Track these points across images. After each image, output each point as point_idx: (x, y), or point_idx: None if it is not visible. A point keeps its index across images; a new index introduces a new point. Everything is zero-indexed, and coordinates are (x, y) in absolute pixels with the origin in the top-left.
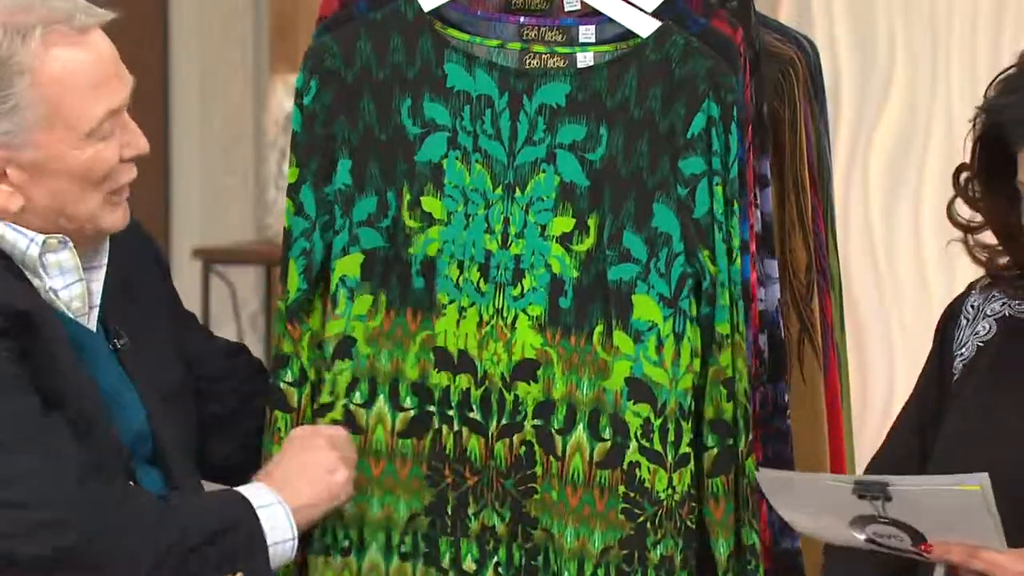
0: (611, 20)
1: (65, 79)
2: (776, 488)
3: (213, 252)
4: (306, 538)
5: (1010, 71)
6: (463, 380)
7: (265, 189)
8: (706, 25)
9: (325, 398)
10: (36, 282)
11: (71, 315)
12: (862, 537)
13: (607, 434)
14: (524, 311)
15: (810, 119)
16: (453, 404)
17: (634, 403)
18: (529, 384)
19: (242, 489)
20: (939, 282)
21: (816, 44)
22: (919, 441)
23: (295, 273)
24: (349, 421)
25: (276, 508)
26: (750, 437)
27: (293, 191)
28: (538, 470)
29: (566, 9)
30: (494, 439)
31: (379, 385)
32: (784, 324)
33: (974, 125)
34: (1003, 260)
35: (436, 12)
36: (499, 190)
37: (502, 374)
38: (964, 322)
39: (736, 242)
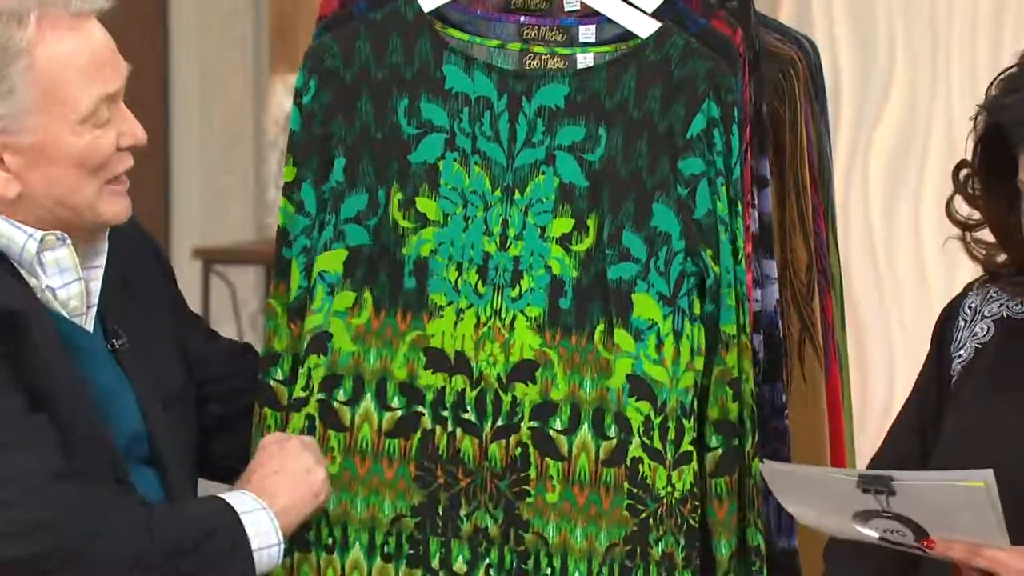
0: (611, 20)
1: (60, 62)
2: (780, 480)
3: (213, 252)
4: (292, 539)
5: (1011, 70)
6: (458, 381)
7: (265, 189)
8: (705, 25)
9: (299, 393)
10: (32, 281)
11: (66, 315)
12: (865, 531)
13: (612, 432)
14: (522, 312)
15: (811, 119)
16: (448, 405)
17: (635, 400)
18: (527, 385)
19: (224, 495)
20: (939, 282)
21: (816, 44)
22: (919, 440)
23: (296, 271)
24: (325, 417)
25: (260, 514)
26: (756, 438)
27: (291, 190)
28: (532, 472)
29: (566, 9)
30: (488, 440)
31: (366, 384)
32: (785, 324)
33: (975, 124)
34: (1001, 258)
35: (436, 12)
36: (498, 192)
37: (498, 375)
38: (962, 323)
39: (739, 242)
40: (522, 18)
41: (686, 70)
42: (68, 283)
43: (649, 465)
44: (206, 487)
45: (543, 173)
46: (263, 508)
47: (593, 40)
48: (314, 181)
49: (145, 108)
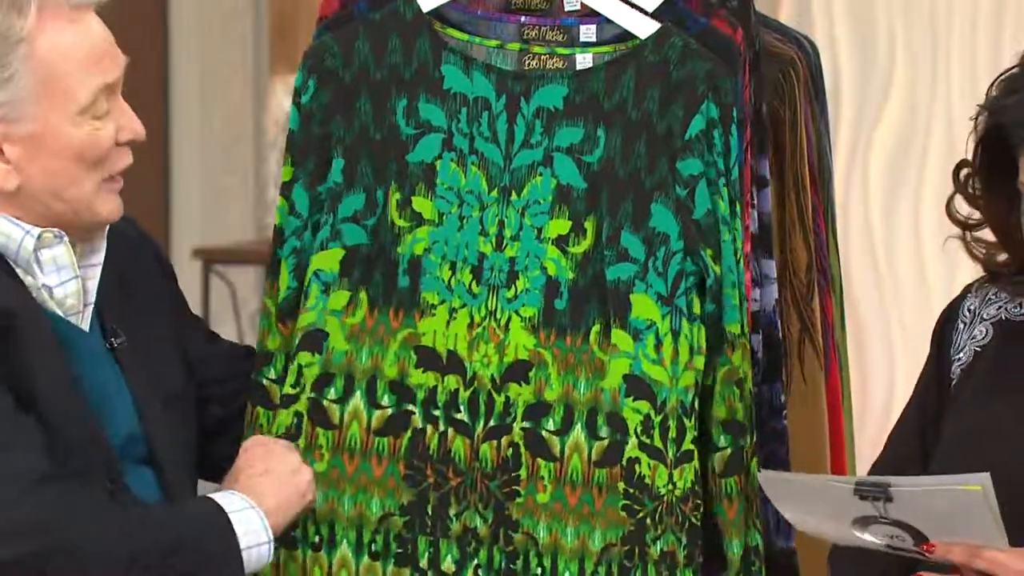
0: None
1: (60, 52)
2: (777, 489)
3: (213, 252)
4: (279, 538)
5: (1012, 71)
6: (451, 381)
7: (265, 189)
8: (706, 25)
9: (288, 390)
10: (28, 280)
11: (62, 314)
12: (864, 537)
13: (604, 432)
14: (517, 312)
15: (810, 119)
16: (440, 405)
17: (633, 400)
18: (520, 385)
19: (213, 496)
20: (939, 282)
21: (816, 44)
22: (920, 443)
23: (286, 272)
24: (313, 414)
25: (249, 512)
26: (754, 438)
27: (287, 190)
28: (522, 473)
29: (566, 9)
30: (480, 440)
31: (356, 382)
32: (785, 324)
33: (975, 124)
34: (1002, 257)
35: (436, 12)
36: (495, 193)
37: (492, 376)
38: (961, 326)
39: (739, 242)
40: (523, 18)
41: (685, 71)
42: (65, 281)
43: (648, 464)
44: (205, 488)
45: (540, 174)
46: (252, 507)
47: (594, 40)
48: (307, 182)
49: (145, 108)
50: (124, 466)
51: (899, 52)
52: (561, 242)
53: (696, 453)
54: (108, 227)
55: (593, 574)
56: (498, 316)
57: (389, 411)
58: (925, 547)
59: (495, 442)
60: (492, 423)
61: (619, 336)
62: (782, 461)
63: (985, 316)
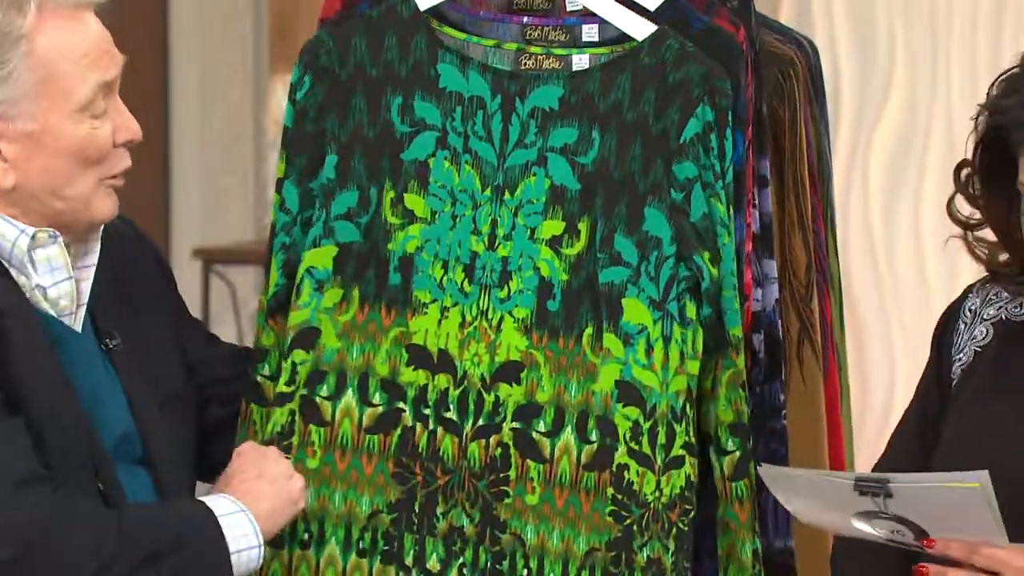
0: None
1: (59, 49)
2: (779, 483)
3: (213, 252)
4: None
5: (1013, 71)
6: (441, 380)
7: (265, 189)
8: (709, 23)
9: (283, 388)
10: (21, 280)
11: (55, 314)
12: (865, 529)
13: (595, 436)
14: (510, 313)
15: (810, 120)
16: (430, 403)
17: (623, 406)
18: (512, 386)
19: (204, 499)
20: (939, 282)
21: (816, 44)
22: (920, 445)
23: (275, 268)
24: (305, 412)
25: (239, 516)
26: (751, 440)
27: (279, 186)
28: (512, 473)
29: (568, 9)
30: (468, 439)
31: (348, 379)
32: (783, 324)
33: (976, 124)
34: (1003, 257)
35: (435, 11)
36: (488, 192)
37: (482, 375)
38: (962, 326)
39: (740, 244)
40: (525, 19)
41: (681, 74)
42: (59, 282)
43: (636, 471)
44: (204, 489)
45: (534, 174)
46: (243, 510)
47: (596, 39)
48: (298, 179)
49: (145, 108)
50: (118, 467)
51: (899, 52)
52: (554, 243)
53: (687, 459)
54: (105, 228)
55: None
56: (490, 316)
57: (380, 409)
58: (925, 543)
59: (483, 441)
60: (481, 422)
61: (611, 341)
62: (782, 460)
63: (985, 316)
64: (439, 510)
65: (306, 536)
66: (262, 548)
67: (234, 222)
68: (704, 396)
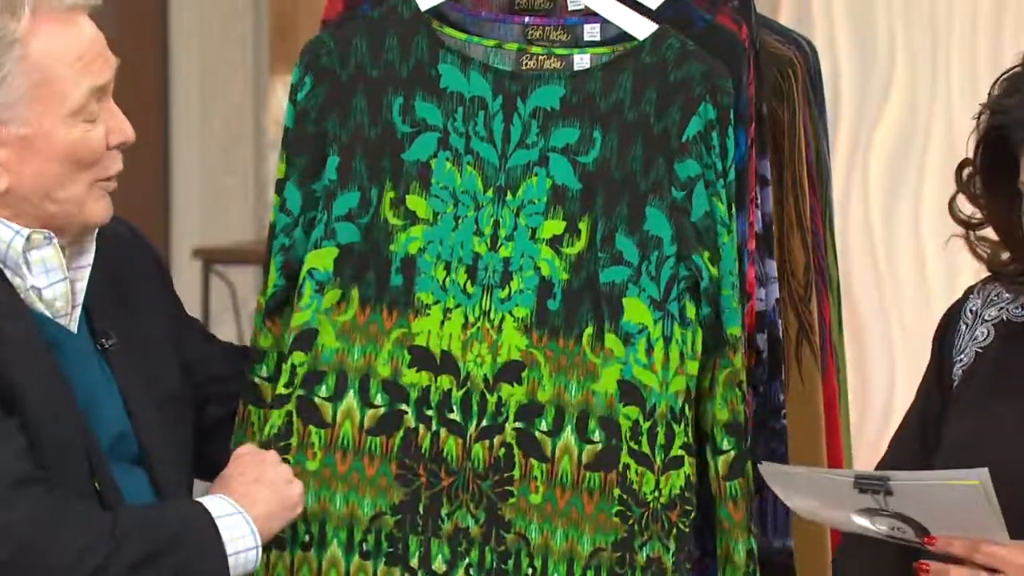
0: None
1: (53, 53)
2: (779, 481)
3: (213, 252)
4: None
5: (1015, 70)
6: (445, 381)
7: (265, 189)
8: (711, 21)
9: (281, 390)
10: (16, 281)
11: (50, 315)
12: (866, 524)
13: (596, 436)
14: (510, 313)
15: (809, 120)
16: (433, 404)
17: (624, 406)
18: (513, 386)
19: (201, 500)
20: (939, 282)
21: (816, 45)
22: (921, 446)
23: (274, 269)
24: (304, 413)
25: (236, 517)
26: (749, 439)
27: (279, 187)
28: (516, 473)
29: (570, 8)
30: (472, 440)
31: (349, 380)
32: (782, 325)
33: (978, 123)
34: (1005, 256)
35: (436, 12)
36: (490, 192)
37: (485, 376)
38: (963, 327)
39: (741, 243)
40: (527, 19)
41: (682, 72)
42: (54, 283)
43: (636, 471)
44: (202, 487)
45: (536, 174)
46: (240, 512)
47: (598, 38)
48: (300, 180)
49: (145, 108)
50: (115, 466)
51: (899, 52)
52: (555, 242)
53: (686, 459)
54: (102, 229)
55: None
56: (492, 316)
57: (382, 410)
58: (926, 540)
59: (487, 442)
60: (484, 423)
61: (612, 341)
62: (781, 460)
63: (987, 317)
64: (444, 511)
65: (307, 538)
66: (259, 550)
67: (234, 222)
68: (702, 395)
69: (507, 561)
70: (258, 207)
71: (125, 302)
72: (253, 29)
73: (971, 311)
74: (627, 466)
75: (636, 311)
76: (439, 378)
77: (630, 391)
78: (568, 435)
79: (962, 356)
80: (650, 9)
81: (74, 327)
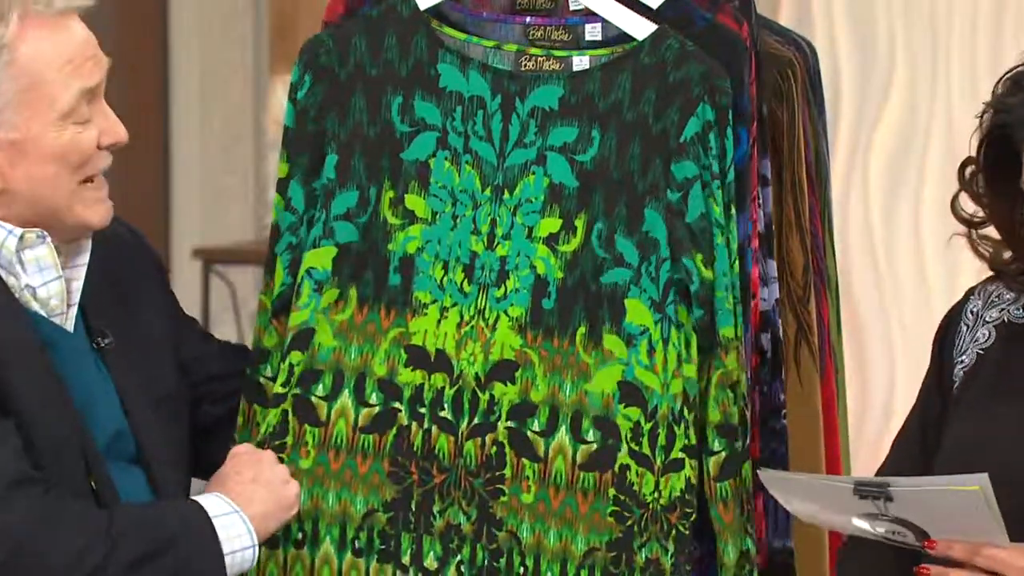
0: None
1: (42, 59)
2: (779, 486)
3: (213, 252)
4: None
5: (1019, 69)
6: (438, 379)
7: (265, 189)
8: (712, 20)
9: (279, 389)
10: (11, 280)
11: (45, 314)
12: (866, 528)
13: (591, 436)
14: (506, 312)
15: (808, 121)
16: (426, 402)
17: (625, 407)
18: (506, 385)
19: (198, 498)
20: (939, 282)
21: (816, 45)
22: (921, 451)
23: (281, 268)
24: (299, 411)
25: (234, 517)
26: (747, 441)
27: (282, 186)
28: (507, 472)
29: (571, 8)
30: (464, 438)
31: (345, 379)
32: (781, 325)
33: (980, 121)
34: (1006, 255)
35: (436, 11)
36: (488, 191)
37: (476, 374)
38: (964, 328)
39: (734, 245)
40: (528, 19)
41: (681, 73)
42: (48, 282)
43: (636, 471)
44: (200, 486)
45: (533, 173)
46: (236, 511)
47: (599, 38)
48: (303, 178)
49: (145, 108)
50: (112, 466)
51: (899, 52)
52: (551, 240)
53: (687, 461)
54: (102, 229)
55: None
56: (486, 315)
57: (376, 409)
58: (926, 544)
59: (479, 440)
60: (476, 421)
61: (613, 341)
62: (782, 460)
63: (988, 319)
64: (436, 508)
65: (300, 536)
66: (256, 549)
67: (234, 222)
68: (700, 397)
69: (498, 559)
70: (258, 207)
71: (123, 302)
72: (253, 29)
73: (972, 312)
74: (626, 467)
75: (637, 312)
76: (433, 376)
77: (632, 392)
78: (563, 435)
79: (963, 357)
80: (651, 8)
81: (70, 326)
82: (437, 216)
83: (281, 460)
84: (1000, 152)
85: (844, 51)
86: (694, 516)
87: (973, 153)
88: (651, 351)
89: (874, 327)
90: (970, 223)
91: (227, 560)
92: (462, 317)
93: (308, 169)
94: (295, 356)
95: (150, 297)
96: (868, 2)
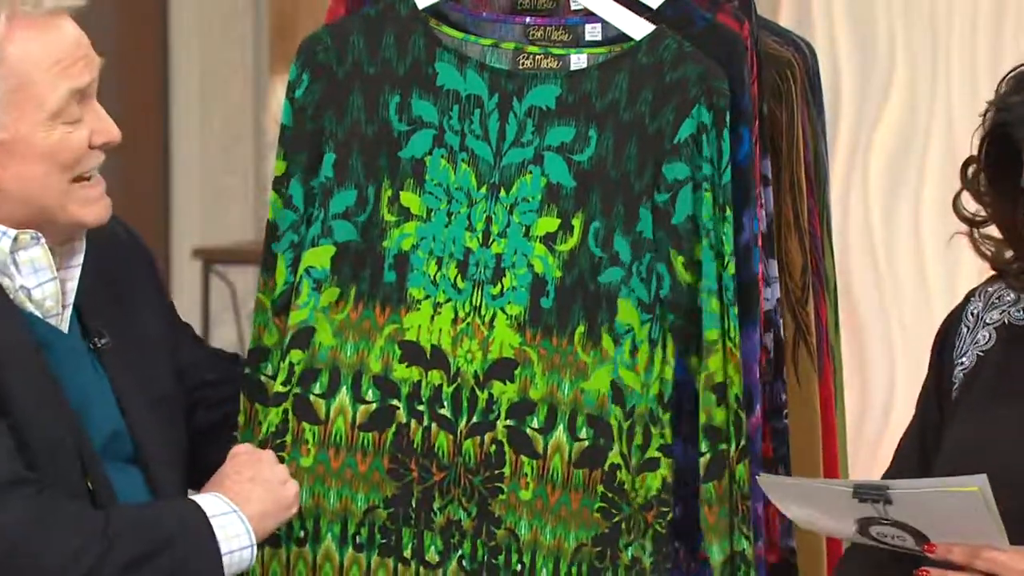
0: None
1: (30, 60)
2: (778, 492)
3: (213, 252)
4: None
5: (1022, 68)
6: (435, 376)
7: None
8: (712, 19)
9: (279, 388)
10: (5, 282)
11: (40, 315)
12: (867, 533)
13: (583, 434)
14: (503, 310)
15: (807, 122)
16: (424, 400)
17: (615, 406)
18: (505, 383)
19: (196, 498)
20: (939, 282)
21: (816, 45)
22: (921, 457)
23: (283, 266)
24: (299, 411)
25: (232, 516)
26: (742, 443)
27: (280, 184)
28: (506, 470)
29: (572, 8)
30: (463, 436)
31: (342, 376)
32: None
33: (983, 120)
34: (1008, 254)
35: (435, 11)
36: (483, 189)
37: (475, 372)
38: (964, 330)
39: (728, 248)
40: (528, 19)
41: (678, 74)
42: (43, 283)
43: (625, 471)
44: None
45: (530, 172)
46: (235, 510)
47: (599, 38)
48: (303, 176)
49: (145, 108)
50: (110, 466)
51: (899, 52)
52: (548, 239)
53: (663, 460)
54: (98, 229)
55: (567, 574)
56: (482, 312)
57: (374, 406)
58: (926, 547)
59: (478, 438)
60: (475, 419)
61: (609, 341)
62: (783, 460)
63: (988, 321)
64: (436, 505)
65: (302, 534)
66: (254, 548)
67: (234, 222)
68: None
69: (497, 556)
70: (258, 207)
71: (119, 302)
72: (253, 29)
73: (972, 314)
74: (617, 466)
75: (626, 312)
76: (429, 373)
77: (617, 391)
78: (560, 433)
79: (963, 359)
80: (651, 8)
81: (65, 327)
82: (432, 213)
83: (282, 459)
84: (1002, 151)
85: (844, 51)
86: (671, 515)
87: (973, 152)
88: (633, 350)
89: (874, 327)
90: (972, 222)
91: (225, 560)
92: (456, 313)
93: (307, 167)
94: (295, 355)
95: (146, 297)
96: (868, 2)
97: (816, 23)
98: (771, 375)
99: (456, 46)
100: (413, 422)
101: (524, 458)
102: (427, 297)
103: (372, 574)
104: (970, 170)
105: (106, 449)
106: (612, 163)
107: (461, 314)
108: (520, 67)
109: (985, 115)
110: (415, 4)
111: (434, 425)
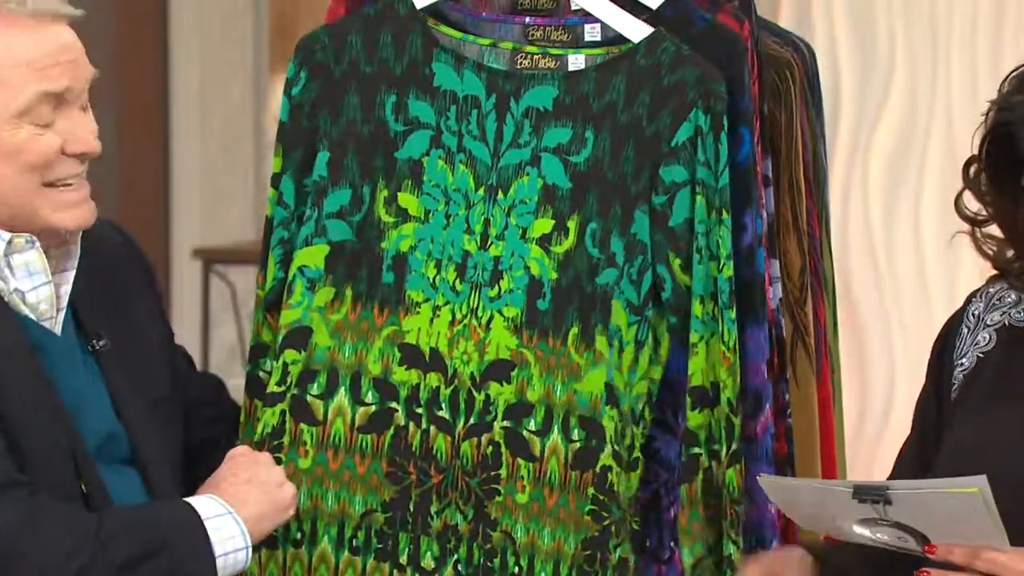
0: None
1: (1, 55)
2: (778, 493)
3: (213, 252)
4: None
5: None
6: (433, 378)
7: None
8: (712, 20)
9: (274, 388)
10: (0, 285)
11: (34, 318)
12: (867, 534)
13: (576, 436)
14: (500, 312)
15: (806, 122)
16: (422, 402)
17: (609, 407)
18: (502, 385)
19: (191, 500)
20: (939, 282)
21: (816, 45)
22: (921, 463)
23: (272, 262)
24: (296, 411)
25: (226, 518)
26: (733, 447)
27: (276, 180)
28: (503, 472)
29: (572, 8)
30: (460, 438)
31: (340, 378)
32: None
33: (986, 119)
34: (1010, 253)
35: (434, 11)
36: (481, 191)
37: (472, 374)
38: (965, 331)
39: (724, 251)
40: (527, 19)
41: (675, 77)
42: (38, 286)
43: (617, 472)
44: None
45: (527, 174)
46: (230, 512)
47: (599, 38)
48: (295, 174)
49: (145, 108)
50: (106, 468)
51: (899, 52)
52: (544, 241)
53: (641, 461)
54: (94, 232)
55: None
56: (479, 314)
57: (373, 408)
58: (926, 548)
59: (475, 440)
60: (472, 421)
61: (603, 342)
62: (787, 460)
63: (989, 322)
64: (433, 509)
65: (299, 535)
66: (249, 550)
67: (234, 222)
68: None
69: (493, 559)
70: (258, 207)
71: (116, 304)
72: (253, 29)
73: (974, 315)
74: (608, 467)
75: (616, 314)
76: (427, 375)
77: (611, 392)
78: (556, 435)
79: (963, 360)
80: (650, 9)
81: (58, 330)
82: (430, 215)
83: (279, 460)
84: (1004, 150)
85: (844, 51)
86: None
87: (974, 152)
88: (620, 351)
89: (874, 327)
90: (974, 221)
91: (219, 562)
92: (454, 316)
93: (300, 165)
94: (290, 355)
95: (142, 300)
96: (868, 2)
97: (816, 23)
98: (776, 374)
99: (454, 46)
100: (411, 424)
101: (520, 460)
102: (426, 300)
103: None
104: (972, 169)
105: (102, 451)
106: (609, 165)
107: (458, 316)
108: (518, 67)
109: (987, 115)
110: (414, 4)
111: (432, 427)
